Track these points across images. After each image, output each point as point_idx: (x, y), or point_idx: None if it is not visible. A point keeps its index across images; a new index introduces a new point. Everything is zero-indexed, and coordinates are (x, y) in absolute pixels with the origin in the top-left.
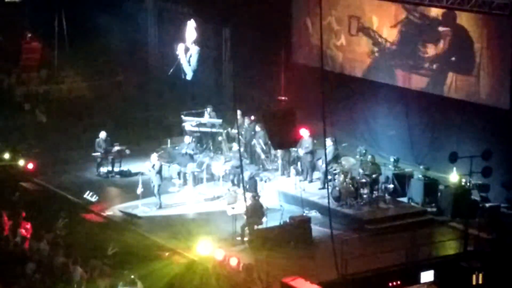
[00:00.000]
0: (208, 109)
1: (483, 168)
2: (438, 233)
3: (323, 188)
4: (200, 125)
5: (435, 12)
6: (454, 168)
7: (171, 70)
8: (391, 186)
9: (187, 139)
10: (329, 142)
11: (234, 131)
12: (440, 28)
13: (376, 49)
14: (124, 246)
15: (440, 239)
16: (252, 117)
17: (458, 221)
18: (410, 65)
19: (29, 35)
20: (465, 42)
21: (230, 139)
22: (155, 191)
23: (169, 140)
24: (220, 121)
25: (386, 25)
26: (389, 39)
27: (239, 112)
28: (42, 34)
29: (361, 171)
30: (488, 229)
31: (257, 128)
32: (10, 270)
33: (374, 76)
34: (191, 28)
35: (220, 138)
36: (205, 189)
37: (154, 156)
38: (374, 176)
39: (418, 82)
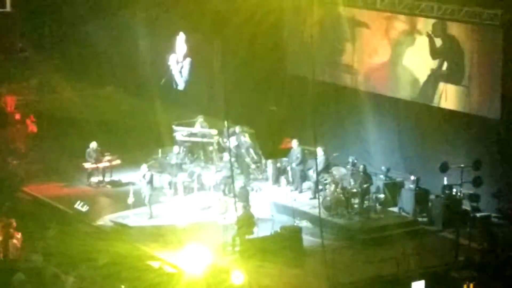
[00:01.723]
0: (199, 119)
1: (473, 178)
2: (429, 243)
3: (314, 198)
4: (191, 135)
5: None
6: (445, 178)
7: (163, 80)
8: (382, 196)
9: (176, 149)
10: (320, 152)
11: (225, 141)
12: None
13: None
14: (115, 256)
15: (431, 249)
16: (243, 127)
17: (449, 231)
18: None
19: (20, 44)
20: (456, 52)
21: (221, 149)
22: (146, 201)
23: (160, 150)
24: (215, 131)
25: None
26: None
27: (230, 122)
28: (33, 44)
29: (352, 181)
30: (479, 239)
31: (248, 138)
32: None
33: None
34: (181, 42)
35: (211, 148)
36: (196, 199)
37: (143, 166)
38: (365, 186)
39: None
